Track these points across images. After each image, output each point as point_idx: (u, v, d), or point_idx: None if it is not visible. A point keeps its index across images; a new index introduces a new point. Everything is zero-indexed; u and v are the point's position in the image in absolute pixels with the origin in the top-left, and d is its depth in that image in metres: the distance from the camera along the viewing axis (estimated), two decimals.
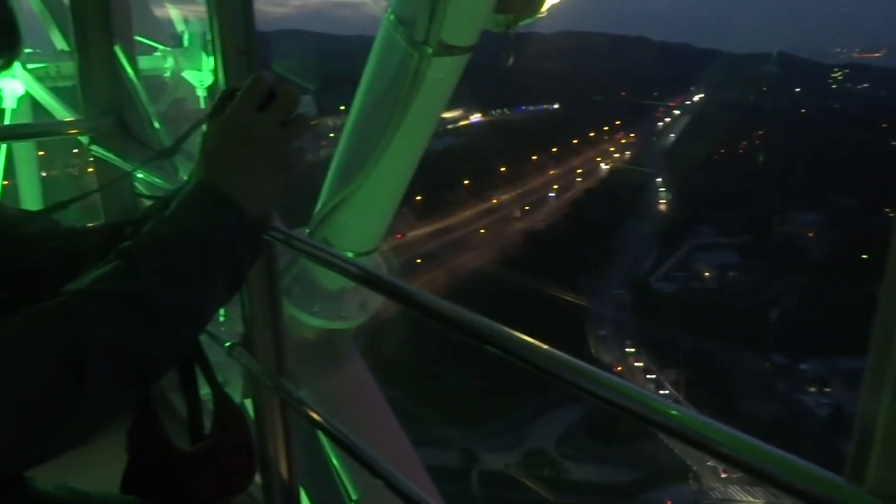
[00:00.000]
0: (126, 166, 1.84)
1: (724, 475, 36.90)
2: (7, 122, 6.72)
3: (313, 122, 1.09)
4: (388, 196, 2.93)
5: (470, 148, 69.78)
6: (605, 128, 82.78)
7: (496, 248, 56.89)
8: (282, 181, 1.05)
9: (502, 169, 67.43)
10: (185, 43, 7.35)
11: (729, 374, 41.39)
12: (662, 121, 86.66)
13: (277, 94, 1.04)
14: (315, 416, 1.28)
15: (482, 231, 60.86)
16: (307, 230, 2.99)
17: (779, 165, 63.27)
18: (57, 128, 2.29)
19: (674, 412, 0.71)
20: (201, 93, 7.11)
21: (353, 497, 2.71)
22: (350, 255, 3.00)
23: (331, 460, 3.17)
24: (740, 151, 72.40)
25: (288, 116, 1.05)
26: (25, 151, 7.19)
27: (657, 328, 46.53)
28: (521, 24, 2.45)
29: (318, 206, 2.93)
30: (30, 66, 6.31)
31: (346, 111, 2.80)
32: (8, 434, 0.78)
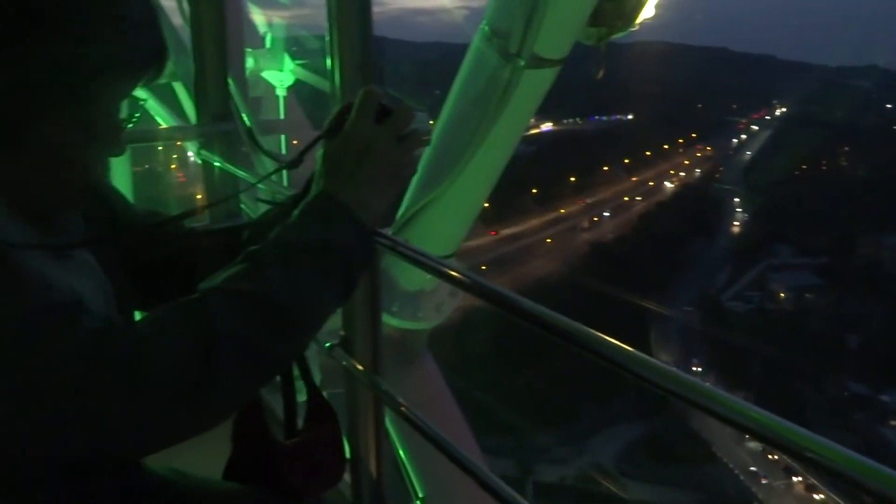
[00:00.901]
0: (236, 173, 1.94)
1: None
2: None
3: (425, 138, 1.14)
4: (470, 203, 2.99)
5: (540, 157, 69.25)
6: (680, 140, 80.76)
7: (562, 259, 56.29)
8: (394, 192, 1.11)
9: (571, 179, 66.72)
10: (268, 44, 7.62)
11: (804, 401, 39.63)
12: (741, 135, 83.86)
13: (390, 108, 1.09)
14: (412, 416, 1.32)
15: (549, 240, 60.34)
16: (390, 232, 3.06)
17: (865, 185, 60.31)
18: (169, 133, 2.44)
19: (757, 415, 0.72)
20: (281, 92, 7.35)
21: (420, 495, 2.76)
22: None
23: (400, 458, 3.23)
24: (823, 168, 69.36)
25: (403, 131, 1.10)
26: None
27: (727, 348, 45.00)
28: (613, 37, 2.47)
29: (402, 210, 3.01)
30: None
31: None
32: (146, 421, 0.85)
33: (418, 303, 3.17)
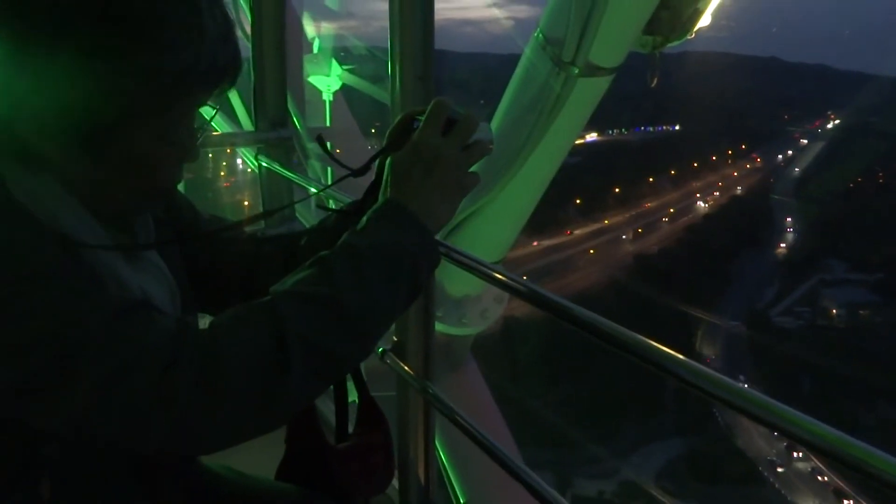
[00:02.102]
0: (293, 178, 1.99)
1: None
2: None
3: (490, 146, 1.15)
4: (519, 210, 2.99)
5: (584, 167, 68.72)
6: (729, 151, 79.22)
7: (604, 270, 55.64)
8: (459, 201, 1.12)
9: (616, 189, 66.00)
10: (315, 49, 7.74)
11: (856, 423, 38.23)
12: (793, 146, 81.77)
13: (457, 119, 1.11)
14: (464, 422, 1.33)
15: (591, 251, 59.73)
16: (438, 237, 3.08)
17: None
18: (230, 139, 2.51)
19: (811, 425, 0.70)
20: (327, 97, 7.45)
21: (462, 500, 2.75)
22: None
23: (442, 462, 3.23)
24: (880, 181, 67.13)
25: (468, 141, 1.11)
26: None
27: (775, 365, 43.79)
28: (669, 45, 2.44)
29: None
30: None
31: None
32: (219, 418, 0.88)
33: (463, 309, 3.19)
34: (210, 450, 1.02)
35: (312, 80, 7.45)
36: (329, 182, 2.81)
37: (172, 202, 1.26)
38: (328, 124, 7.35)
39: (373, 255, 0.98)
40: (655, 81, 2.40)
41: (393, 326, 1.46)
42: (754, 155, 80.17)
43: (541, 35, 2.38)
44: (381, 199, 1.08)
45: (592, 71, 2.26)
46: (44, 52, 0.87)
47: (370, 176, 1.20)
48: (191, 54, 0.92)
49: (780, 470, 38.87)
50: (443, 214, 1.08)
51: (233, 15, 1.05)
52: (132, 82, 0.89)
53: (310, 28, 8.01)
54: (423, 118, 1.10)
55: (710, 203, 70.47)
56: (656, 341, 0.93)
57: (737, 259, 57.43)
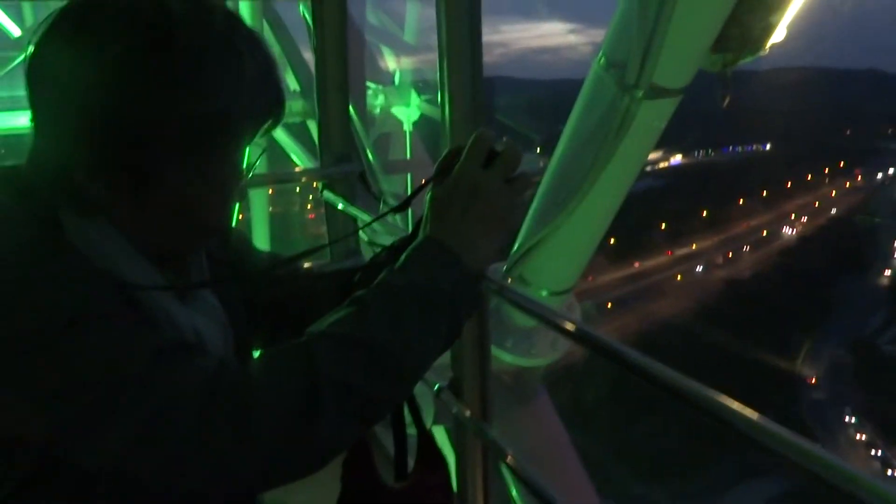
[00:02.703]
0: (356, 213, 2.00)
1: None
2: (246, 153, 7.63)
3: (535, 179, 1.11)
4: (586, 238, 2.92)
5: (669, 190, 67.02)
6: (826, 170, 75.26)
7: (693, 297, 53.62)
8: (502, 236, 1.08)
9: (703, 213, 63.82)
10: (396, 81, 7.95)
11: None
12: None
13: (499, 152, 1.07)
14: (517, 468, 1.28)
15: (678, 277, 57.80)
16: (504, 267, 3.05)
17: None
18: (296, 176, 2.59)
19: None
20: (407, 128, 7.62)
21: None
22: (545, 293, 3.01)
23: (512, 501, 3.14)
24: None
25: (512, 174, 1.08)
26: (259, 194, 8.13)
27: (885, 397, 40.70)
28: (740, 63, 2.34)
29: (517, 245, 2.98)
30: None
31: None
32: (253, 460, 0.87)
33: (532, 339, 3.12)
34: (245, 493, 1.01)
35: (395, 111, 7.65)
36: (392, 218, 2.83)
37: (228, 241, 1.28)
38: (408, 156, 7.51)
39: (409, 294, 0.96)
40: (727, 101, 2.28)
41: (449, 362, 1.43)
42: (854, 173, 75.82)
43: (603, 58, 2.32)
44: (420, 235, 1.05)
45: (658, 93, 2.18)
46: (90, 98, 0.90)
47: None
48: (230, 98, 0.93)
49: None
50: (484, 251, 1.04)
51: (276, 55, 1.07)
52: (172, 126, 0.91)
53: (391, 62, 8.26)
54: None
55: (806, 225, 66.99)
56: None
57: (837, 284, 54.12)
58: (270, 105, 1.00)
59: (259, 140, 1.06)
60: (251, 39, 0.98)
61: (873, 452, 39.55)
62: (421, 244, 1.02)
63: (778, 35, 2.17)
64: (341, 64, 2.07)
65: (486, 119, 1.29)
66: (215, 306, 1.14)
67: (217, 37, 0.93)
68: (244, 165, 1.06)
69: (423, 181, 1.12)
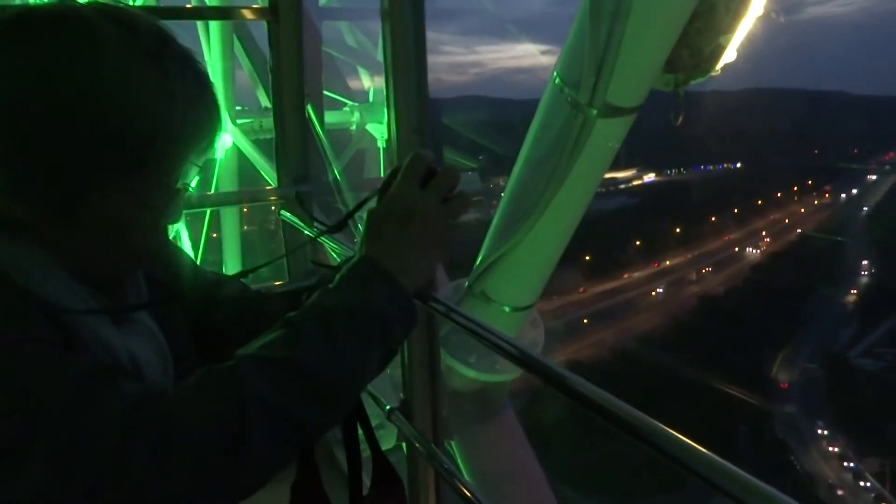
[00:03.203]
0: (311, 233, 1.99)
1: None
2: (216, 169, 7.63)
3: (476, 199, 1.11)
4: (547, 253, 2.94)
5: (643, 208, 67.89)
6: (795, 188, 76.78)
7: (667, 313, 54.12)
8: (440, 256, 1.08)
9: (676, 230, 64.63)
10: (371, 98, 8.02)
11: None
12: (863, 182, 78.63)
13: (436, 170, 1.07)
14: (466, 491, 1.26)
15: (653, 293, 58.32)
16: (467, 283, 3.05)
17: None
18: (255, 195, 2.56)
19: None
20: (381, 144, 7.69)
21: None
22: (507, 309, 3.01)
23: None
24: None
25: (450, 193, 1.07)
26: (230, 212, 8.09)
27: (857, 410, 41.27)
28: (692, 82, 2.38)
29: (479, 260, 2.99)
30: (239, 121, 7.16)
31: None
32: (177, 488, 0.84)
33: (496, 354, 3.11)
34: None
35: (369, 128, 7.72)
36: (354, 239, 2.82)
37: (169, 263, 1.26)
38: (382, 172, 7.56)
39: (340, 315, 0.94)
40: (681, 119, 2.32)
41: (400, 383, 1.42)
42: (823, 191, 77.45)
43: (558, 77, 2.35)
44: (356, 255, 1.04)
45: (612, 112, 2.21)
46: (9, 116, 0.88)
47: None
48: (158, 118, 0.92)
49: None
50: (421, 270, 1.03)
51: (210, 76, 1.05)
52: (96, 147, 0.89)
53: (366, 80, 8.31)
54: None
55: (775, 242, 68.13)
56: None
57: (808, 300, 55.00)
58: (201, 126, 0.98)
59: (199, 159, 1.04)
60: (182, 58, 0.97)
61: (846, 464, 40.00)
62: (355, 265, 1.01)
63: (728, 56, 2.22)
64: (298, 83, 2.07)
65: (433, 137, 1.29)
66: (153, 330, 1.11)
67: (144, 55, 0.91)
68: (180, 186, 1.04)
69: (362, 200, 1.12)
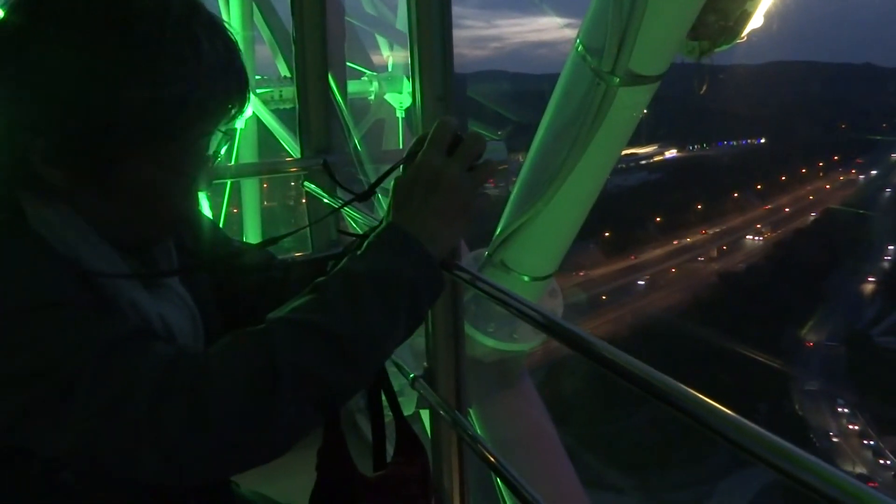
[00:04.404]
0: (333, 204, 2.00)
1: None
2: (236, 140, 7.68)
3: (501, 167, 1.11)
4: (566, 223, 2.93)
5: (664, 184, 67.13)
6: (820, 163, 75.41)
7: (688, 290, 53.75)
8: (465, 224, 1.08)
9: (698, 206, 63.91)
10: (390, 68, 8.00)
11: None
12: (893, 155, 76.91)
13: (464, 139, 1.07)
14: (489, 456, 1.28)
15: (673, 270, 57.91)
16: (487, 252, 3.06)
17: None
18: (277, 166, 2.57)
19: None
20: (400, 114, 7.68)
21: None
22: (526, 278, 3.02)
23: (502, 499, 3.16)
24: None
25: (475, 161, 1.07)
26: (250, 185, 8.12)
27: (878, 388, 40.91)
28: (717, 50, 2.34)
29: (499, 230, 2.99)
30: (258, 90, 7.18)
31: None
32: (208, 445, 0.87)
33: (514, 324, 3.13)
34: (203, 480, 1.01)
35: (388, 97, 7.71)
36: (376, 210, 2.82)
37: (198, 230, 1.28)
38: (401, 142, 7.55)
39: (367, 280, 0.95)
40: (704, 88, 2.29)
41: (420, 352, 1.44)
42: (849, 166, 75.99)
43: (581, 46, 2.32)
44: (383, 222, 1.05)
45: (634, 80, 2.18)
46: (47, 83, 0.90)
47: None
48: (188, 84, 0.92)
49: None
50: (447, 238, 1.04)
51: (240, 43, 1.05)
52: (129, 113, 0.91)
53: (385, 49, 8.29)
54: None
55: (800, 219, 67.15)
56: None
57: (832, 277, 54.31)
58: (231, 92, 0.99)
59: (227, 127, 1.05)
60: (211, 26, 0.97)
61: (865, 442, 39.79)
62: (382, 231, 1.02)
63: (755, 22, 2.17)
64: (321, 53, 2.06)
65: (458, 107, 1.29)
66: (183, 296, 1.14)
67: (174, 23, 0.92)
68: (210, 154, 1.05)
69: (389, 168, 1.12)
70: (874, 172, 74.72)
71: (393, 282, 0.97)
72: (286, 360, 0.87)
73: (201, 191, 1.08)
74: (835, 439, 40.47)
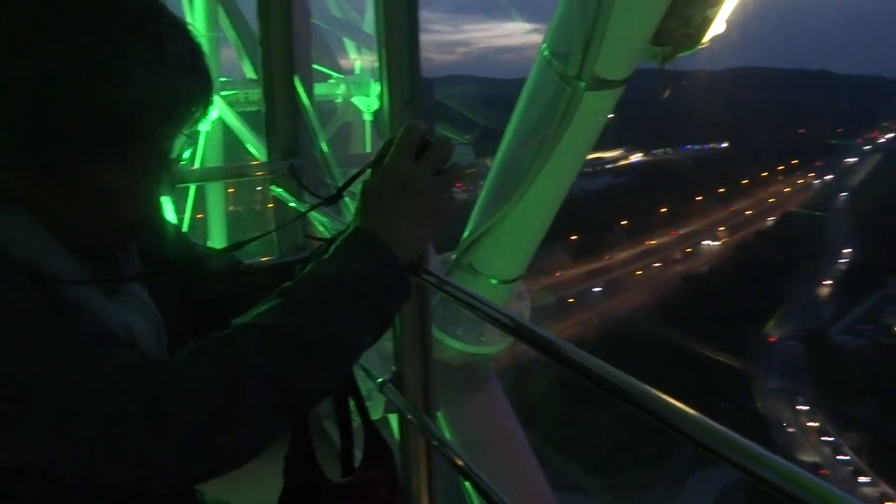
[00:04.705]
0: (300, 207, 1.99)
1: None
2: (201, 143, 7.56)
3: (469, 171, 1.11)
4: (533, 226, 2.98)
5: (629, 187, 68.12)
6: (780, 167, 77.25)
7: (653, 292, 54.56)
8: (434, 228, 1.08)
9: (662, 210, 64.93)
10: (357, 71, 7.97)
11: None
12: (847, 159, 79.21)
13: (432, 143, 1.07)
14: (457, 459, 1.29)
15: (638, 273, 58.71)
16: (454, 256, 3.08)
17: None
18: (243, 170, 2.54)
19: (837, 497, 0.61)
20: (367, 117, 7.66)
21: None
22: (494, 281, 3.05)
23: (470, 502, 3.17)
24: None
25: (443, 165, 1.07)
26: (215, 190, 8.01)
27: (837, 386, 41.99)
28: (680, 55, 2.39)
29: (466, 233, 3.02)
30: (223, 93, 7.08)
31: None
32: (171, 453, 0.85)
33: (482, 327, 3.16)
34: (167, 488, 0.99)
35: (356, 100, 7.68)
36: (344, 214, 2.80)
37: (164, 237, 1.26)
38: (368, 145, 7.52)
39: (337, 285, 0.95)
40: (668, 92, 2.34)
41: (388, 355, 1.43)
42: (807, 170, 78.01)
43: (547, 50, 2.36)
44: (351, 226, 1.05)
45: (600, 84, 2.22)
46: (3, 85, 0.88)
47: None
48: (149, 86, 0.91)
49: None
50: (415, 242, 1.04)
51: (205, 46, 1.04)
52: (90, 115, 0.89)
53: (352, 52, 8.25)
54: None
55: (761, 220, 68.68)
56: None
57: (791, 277, 55.63)
58: (195, 95, 0.98)
59: (190, 130, 1.04)
60: (175, 27, 0.96)
61: (824, 438, 40.77)
62: (350, 235, 1.02)
63: (716, 28, 2.22)
64: (288, 56, 2.04)
65: (424, 110, 1.29)
66: (146, 301, 1.12)
67: (137, 23, 0.91)
68: (173, 157, 1.04)
69: (356, 172, 1.12)
70: (830, 176, 76.81)
71: (361, 286, 0.96)
72: (252, 365, 0.86)
73: (165, 195, 1.06)
74: (791, 430, 41.45)
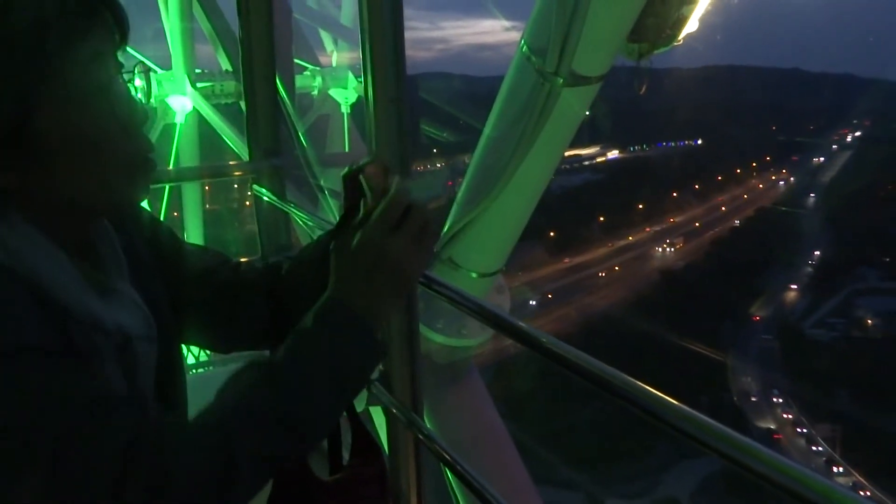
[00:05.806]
0: (286, 208, 1.98)
1: None
2: (177, 136, 7.46)
3: (437, 204, 1.12)
4: (512, 221, 3.01)
5: (606, 184, 68.65)
6: (753, 164, 78.39)
7: (630, 287, 55.08)
8: (409, 291, 1.11)
9: (639, 206, 65.55)
10: (334, 63, 7.94)
11: None
12: (819, 156, 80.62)
13: (412, 209, 1.04)
14: (446, 455, 1.29)
15: (616, 268, 59.22)
16: (435, 248, 3.10)
17: None
18: (224, 169, 2.50)
19: (817, 482, 0.63)
20: (345, 109, 7.63)
21: None
22: (474, 275, 3.08)
23: (456, 499, 3.19)
24: None
25: (422, 232, 1.05)
26: (191, 186, 7.92)
27: (810, 378, 42.76)
28: (656, 52, 2.42)
29: (446, 227, 3.04)
30: (199, 84, 7.00)
31: None
32: None
33: (463, 320, 3.18)
34: None
35: (332, 92, 7.64)
36: (328, 210, 2.80)
37: (157, 235, 1.25)
38: (346, 139, 7.47)
39: (319, 364, 0.99)
40: (644, 88, 2.38)
41: None
42: (780, 166, 79.24)
43: (525, 47, 2.38)
44: (327, 291, 1.04)
45: (577, 80, 2.26)
46: None
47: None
48: (34, 7, 0.89)
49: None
50: (389, 309, 1.06)
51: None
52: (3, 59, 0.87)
53: (329, 44, 8.19)
54: (367, 185, 1.04)
55: (736, 216, 69.62)
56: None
57: (766, 272, 56.48)
58: (92, 3, 0.94)
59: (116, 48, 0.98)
60: None
61: (799, 430, 41.51)
62: (327, 307, 1.02)
63: (691, 26, 2.26)
64: (269, 54, 2.03)
65: (410, 103, 1.29)
66: (136, 299, 1.11)
67: None
68: (110, 82, 0.99)
69: (331, 230, 1.12)
70: (802, 171, 78.12)
71: (341, 363, 1.00)
72: (245, 451, 0.92)
73: (138, 125, 1.01)
74: (772, 426, 42.14)
